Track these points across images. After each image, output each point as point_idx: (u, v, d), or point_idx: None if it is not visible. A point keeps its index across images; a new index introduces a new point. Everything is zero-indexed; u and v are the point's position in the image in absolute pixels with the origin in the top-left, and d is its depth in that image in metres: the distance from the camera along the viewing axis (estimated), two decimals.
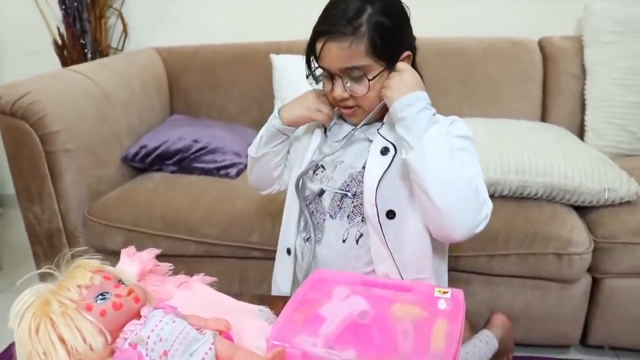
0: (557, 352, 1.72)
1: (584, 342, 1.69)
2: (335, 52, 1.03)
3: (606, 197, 1.57)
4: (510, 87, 2.13)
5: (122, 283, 0.87)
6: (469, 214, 1.01)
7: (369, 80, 1.04)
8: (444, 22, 2.32)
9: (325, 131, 1.19)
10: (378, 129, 1.11)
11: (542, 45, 2.19)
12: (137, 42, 2.61)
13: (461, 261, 1.57)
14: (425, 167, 0.99)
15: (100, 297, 0.83)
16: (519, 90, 2.14)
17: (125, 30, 2.59)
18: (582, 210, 1.64)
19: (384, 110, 1.10)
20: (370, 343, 0.83)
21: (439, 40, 2.20)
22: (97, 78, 1.97)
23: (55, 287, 0.84)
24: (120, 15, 2.57)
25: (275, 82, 2.18)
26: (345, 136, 1.14)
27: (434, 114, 1.02)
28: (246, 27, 2.48)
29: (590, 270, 1.58)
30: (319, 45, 1.05)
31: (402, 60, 1.07)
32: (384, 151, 1.07)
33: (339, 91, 1.07)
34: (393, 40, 1.04)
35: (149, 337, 0.79)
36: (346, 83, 1.06)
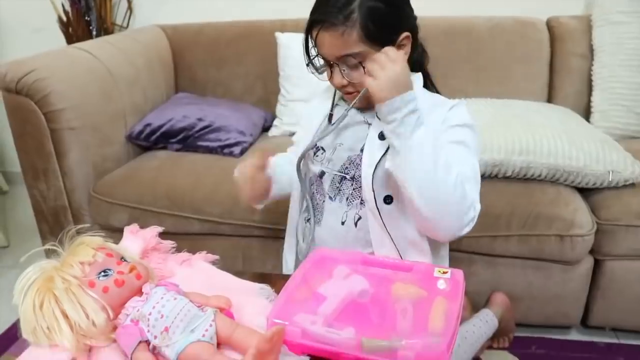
0: (558, 332, 1.73)
1: (584, 322, 1.70)
2: (329, 41, 1.03)
3: (610, 179, 1.56)
4: (517, 67, 2.11)
5: (125, 260, 0.88)
6: (453, 219, 1.01)
7: (364, 67, 1.03)
8: (451, 1, 2.29)
9: (331, 113, 1.19)
10: (377, 113, 1.10)
11: (550, 24, 2.16)
12: (142, 20, 2.60)
13: (463, 242, 1.58)
14: (407, 176, 0.98)
15: (103, 273, 0.84)
16: (526, 70, 2.12)
17: (130, 8, 2.58)
18: (585, 191, 1.64)
19: None
20: (369, 322, 0.84)
21: (445, 19, 2.18)
22: (102, 56, 1.96)
23: (59, 263, 0.86)
24: None
25: (280, 60, 2.17)
26: (338, 118, 1.13)
27: (419, 117, 0.98)
28: (251, 4, 2.46)
29: (592, 251, 1.58)
30: (314, 34, 1.05)
31: (401, 42, 1.06)
32: (382, 136, 1.07)
33: (337, 79, 1.07)
34: (387, 24, 1.03)
35: (150, 314, 0.81)
36: (344, 70, 1.06)
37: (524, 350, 1.65)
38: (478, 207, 1.02)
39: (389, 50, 0.99)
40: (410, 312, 0.85)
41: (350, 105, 1.10)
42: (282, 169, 1.27)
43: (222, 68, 2.32)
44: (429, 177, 0.96)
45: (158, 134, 1.98)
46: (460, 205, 0.99)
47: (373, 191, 1.07)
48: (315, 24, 1.04)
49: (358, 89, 1.07)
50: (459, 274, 0.94)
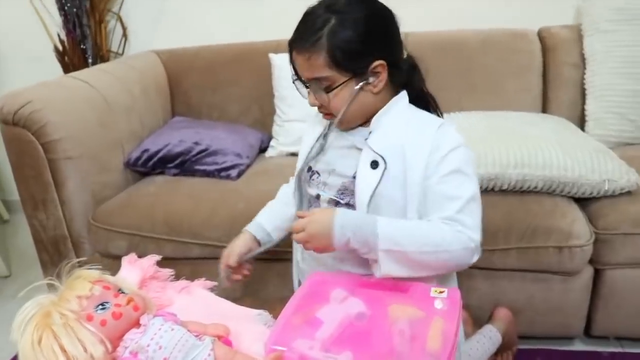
0: (562, 343, 1.72)
1: (588, 333, 1.69)
2: (300, 63, 1.07)
3: (606, 188, 1.56)
4: (510, 79, 2.13)
5: (122, 292, 0.88)
6: (456, 266, 1.08)
7: (327, 92, 1.06)
8: (442, 15, 2.31)
9: (325, 134, 1.21)
10: (366, 138, 1.11)
11: (541, 35, 2.18)
12: (137, 46, 2.62)
13: None
14: (397, 267, 1.02)
15: (100, 307, 0.85)
16: (519, 81, 2.13)
17: (125, 34, 2.60)
18: (582, 201, 1.64)
19: (370, 114, 1.11)
20: (366, 345, 0.84)
21: (436, 33, 2.20)
22: (98, 84, 1.98)
23: (56, 298, 0.86)
24: (120, 19, 2.58)
25: (274, 81, 2.19)
26: (317, 138, 1.18)
27: (355, 233, 1.01)
28: (245, 26, 2.49)
29: (592, 261, 1.58)
30: (291, 54, 1.09)
31: (374, 69, 1.07)
32: (374, 165, 1.08)
33: (311, 98, 1.11)
34: (356, 53, 1.04)
35: (148, 345, 0.81)
36: (315, 91, 1.09)
37: None
38: (476, 236, 1.03)
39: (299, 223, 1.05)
40: (407, 334, 0.85)
41: (327, 129, 1.15)
42: (274, 224, 1.34)
43: (218, 91, 2.34)
44: (416, 265, 1.02)
45: (155, 159, 1.99)
46: (459, 258, 1.03)
47: None
48: (290, 45, 1.09)
49: (330, 110, 1.10)
50: (456, 292, 0.95)
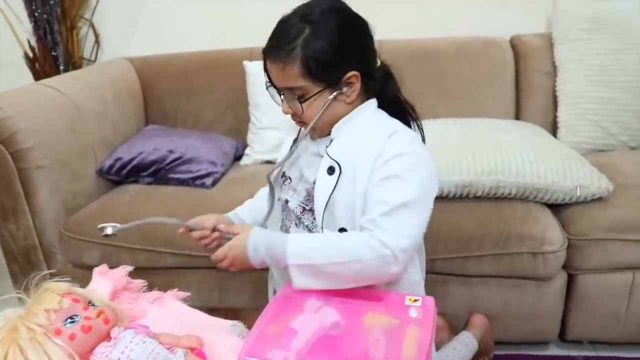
0: (537, 348, 1.74)
1: (562, 337, 1.71)
2: (274, 72, 1.07)
3: (578, 195, 1.58)
4: (483, 86, 2.15)
5: (92, 304, 0.86)
6: (374, 278, 1.04)
7: (300, 102, 1.06)
8: (415, 23, 2.32)
9: (295, 139, 1.21)
10: (327, 146, 1.11)
11: (513, 43, 2.21)
12: (110, 53, 2.59)
13: (437, 263, 1.58)
14: (311, 281, 1.03)
15: (69, 320, 0.83)
16: (492, 89, 2.15)
17: (97, 41, 2.57)
18: (555, 207, 1.66)
19: (330, 124, 1.11)
20: (341, 355, 0.84)
21: (411, 41, 2.21)
22: (69, 91, 1.95)
23: (24, 312, 0.84)
24: (92, 26, 2.55)
25: (249, 88, 2.18)
26: (293, 149, 1.17)
27: (267, 250, 1.05)
28: (219, 34, 2.46)
29: (565, 267, 1.60)
30: (265, 62, 1.08)
31: (348, 79, 1.07)
32: (330, 171, 1.08)
33: (284, 107, 1.10)
34: (330, 64, 1.04)
35: (119, 359, 0.79)
36: (289, 100, 1.08)
37: None
38: (394, 243, 0.99)
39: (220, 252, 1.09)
40: (382, 343, 0.85)
41: (296, 136, 1.16)
42: (252, 217, 1.31)
43: (192, 98, 2.32)
44: (327, 269, 1.01)
45: (129, 167, 1.96)
46: (373, 272, 1.02)
47: (322, 228, 1.09)
48: (264, 53, 1.08)
49: (302, 119, 1.10)
50: (430, 301, 0.95)
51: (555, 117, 2.07)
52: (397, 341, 0.85)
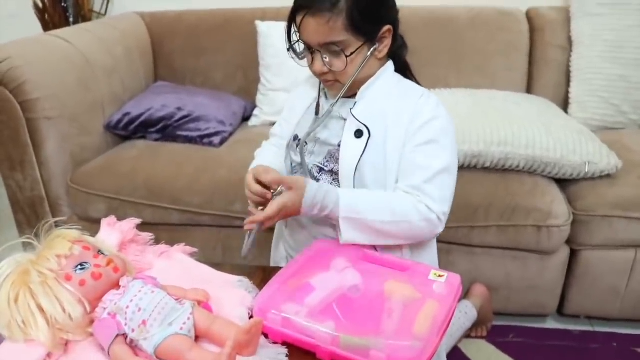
0: (535, 321, 1.76)
1: (560, 311, 1.73)
2: (314, 28, 1.02)
3: (587, 170, 1.58)
4: (496, 58, 2.12)
5: (102, 253, 0.87)
6: (418, 237, 1.10)
7: (347, 56, 1.03)
8: None
9: (318, 103, 1.18)
10: (351, 108, 1.10)
11: (529, 15, 2.17)
12: (120, 7, 2.56)
13: (442, 232, 1.58)
14: (358, 235, 1.05)
15: (80, 267, 0.83)
16: (506, 60, 2.13)
17: None
18: (562, 182, 1.66)
19: (358, 84, 1.10)
20: (353, 318, 0.83)
21: (426, 8, 2.18)
22: (79, 43, 1.93)
23: (35, 257, 0.85)
24: None
25: (260, 49, 2.15)
26: (324, 114, 1.13)
27: (324, 199, 1.03)
28: None
29: (568, 241, 1.60)
30: (298, 20, 1.04)
31: (382, 35, 1.06)
32: (358, 134, 1.07)
33: (318, 66, 1.06)
34: (373, 15, 1.03)
35: (127, 307, 0.80)
36: (325, 58, 1.05)
37: (502, 339, 1.67)
38: (439, 208, 1.05)
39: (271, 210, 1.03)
40: (397, 313, 0.84)
41: (335, 100, 1.10)
42: (277, 165, 1.23)
43: (202, 57, 2.30)
44: (376, 225, 1.04)
45: (137, 123, 1.96)
46: (421, 230, 1.06)
47: (354, 187, 1.08)
48: (301, 9, 1.03)
49: (337, 77, 1.07)
50: (456, 279, 0.93)
51: (567, 92, 2.05)
52: (412, 314, 0.83)
